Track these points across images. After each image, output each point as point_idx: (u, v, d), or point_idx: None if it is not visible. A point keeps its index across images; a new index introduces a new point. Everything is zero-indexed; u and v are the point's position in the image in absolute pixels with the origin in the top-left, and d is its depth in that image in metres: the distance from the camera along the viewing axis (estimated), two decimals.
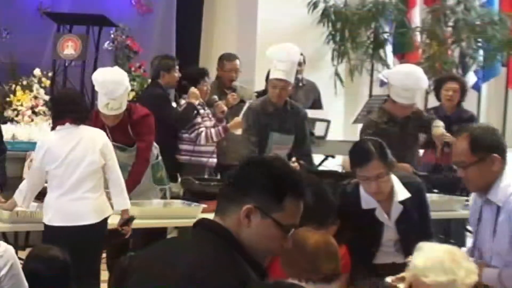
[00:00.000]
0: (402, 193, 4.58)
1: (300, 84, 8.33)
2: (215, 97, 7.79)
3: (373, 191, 4.48)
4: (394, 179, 4.59)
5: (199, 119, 7.43)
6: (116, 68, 6.47)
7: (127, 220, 5.64)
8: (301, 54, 7.73)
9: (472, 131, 3.87)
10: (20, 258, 6.26)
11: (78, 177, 5.39)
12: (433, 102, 10.16)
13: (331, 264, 3.60)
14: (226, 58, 8.40)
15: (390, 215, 4.58)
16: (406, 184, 4.61)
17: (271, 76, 6.64)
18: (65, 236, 5.20)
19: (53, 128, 5.63)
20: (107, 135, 6.28)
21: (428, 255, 3.33)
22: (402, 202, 4.56)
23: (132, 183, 6.29)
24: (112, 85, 6.02)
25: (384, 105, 6.62)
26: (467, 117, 7.76)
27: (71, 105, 5.54)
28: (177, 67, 7.65)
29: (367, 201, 4.57)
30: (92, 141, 5.48)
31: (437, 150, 6.81)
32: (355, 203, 4.56)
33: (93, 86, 6.36)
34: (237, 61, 8.35)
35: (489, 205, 3.93)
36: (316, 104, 8.49)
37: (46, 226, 5.41)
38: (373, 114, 6.75)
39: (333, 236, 4.22)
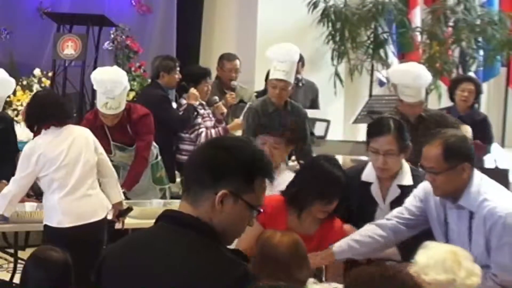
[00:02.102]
0: (405, 179, 4.59)
1: (300, 84, 8.33)
2: (216, 98, 7.79)
3: (379, 165, 4.51)
4: (406, 165, 4.61)
5: (199, 120, 7.43)
6: (115, 67, 6.47)
7: (124, 211, 5.66)
8: (300, 55, 7.74)
9: (446, 139, 3.97)
10: (20, 258, 6.30)
11: (78, 177, 5.38)
12: (433, 102, 10.18)
13: (303, 269, 3.63)
14: (226, 58, 8.41)
15: (386, 197, 4.58)
16: (415, 176, 4.60)
17: (271, 77, 6.63)
18: (78, 236, 5.24)
19: (37, 132, 5.55)
20: (107, 135, 6.29)
21: (431, 253, 3.34)
22: (401, 188, 4.55)
23: (130, 183, 6.30)
24: (110, 84, 6.02)
25: (398, 106, 6.60)
26: (480, 119, 7.81)
27: (53, 108, 5.49)
28: (178, 68, 7.63)
29: (367, 174, 4.61)
30: (84, 139, 5.47)
31: None
32: (357, 174, 4.61)
33: (93, 86, 6.36)
34: (237, 61, 8.36)
35: (459, 211, 4.02)
36: (314, 104, 8.49)
37: (54, 228, 5.37)
38: (385, 114, 6.72)
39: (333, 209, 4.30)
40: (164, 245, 2.48)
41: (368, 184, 4.60)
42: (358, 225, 4.47)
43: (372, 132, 4.58)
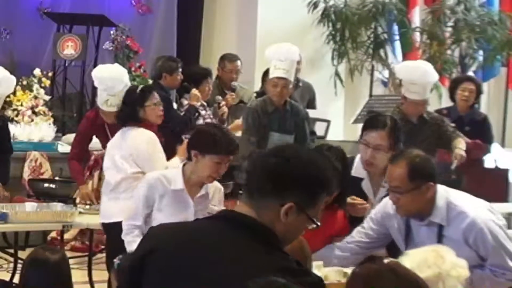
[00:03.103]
0: None
1: (301, 85, 8.33)
2: (220, 97, 7.80)
3: (367, 158, 4.56)
4: None
5: (200, 121, 7.44)
6: (116, 65, 6.49)
7: None
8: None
9: (411, 160, 4.02)
10: (20, 258, 6.30)
11: (116, 181, 5.47)
12: (433, 102, 10.18)
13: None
14: (228, 59, 8.40)
15: (377, 193, 4.62)
16: None
17: (271, 75, 6.62)
18: (106, 232, 5.54)
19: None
20: (107, 133, 6.30)
21: (413, 257, 3.39)
22: None
23: None
24: (111, 81, 6.05)
25: (400, 105, 6.59)
26: (480, 119, 7.82)
27: (123, 106, 5.63)
28: (180, 69, 7.62)
29: (357, 169, 4.64)
30: (130, 148, 5.48)
31: (453, 163, 6.74)
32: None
33: (93, 86, 6.38)
34: (239, 62, 8.36)
35: (429, 226, 4.07)
36: (310, 104, 8.48)
37: None
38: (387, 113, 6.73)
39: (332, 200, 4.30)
40: (234, 249, 2.43)
41: (359, 179, 4.64)
42: (348, 219, 4.55)
43: (367, 126, 4.66)
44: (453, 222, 4.00)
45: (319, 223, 2.55)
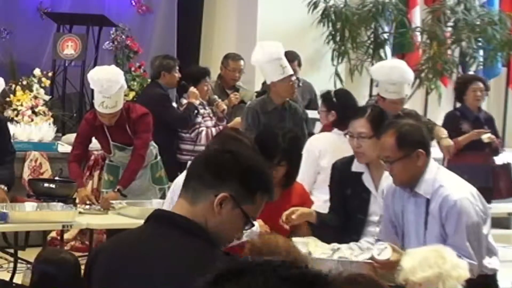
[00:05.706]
0: None
1: (301, 84, 8.33)
2: (215, 96, 7.80)
3: (353, 148, 4.63)
4: None
5: (199, 119, 7.44)
6: (112, 66, 6.49)
7: None
8: (297, 54, 7.77)
9: (399, 128, 4.09)
10: (20, 258, 6.30)
11: None
12: (433, 102, 10.17)
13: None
14: (231, 58, 8.44)
15: (378, 185, 4.65)
16: None
17: (284, 75, 6.53)
18: None
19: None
20: (106, 134, 6.29)
21: (415, 256, 3.41)
22: None
23: (126, 180, 6.29)
24: (106, 83, 6.03)
25: (375, 104, 6.61)
26: (489, 117, 8.00)
27: None
28: (177, 67, 7.67)
29: (357, 164, 4.70)
30: None
31: (444, 159, 6.78)
32: (347, 165, 4.73)
33: None
34: (242, 62, 8.38)
35: (416, 198, 4.11)
36: (312, 104, 8.48)
37: None
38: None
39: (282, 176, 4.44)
40: (151, 246, 2.48)
41: (360, 174, 4.68)
42: (354, 212, 4.62)
43: (350, 118, 4.75)
44: (434, 197, 4.04)
45: (254, 224, 2.56)
